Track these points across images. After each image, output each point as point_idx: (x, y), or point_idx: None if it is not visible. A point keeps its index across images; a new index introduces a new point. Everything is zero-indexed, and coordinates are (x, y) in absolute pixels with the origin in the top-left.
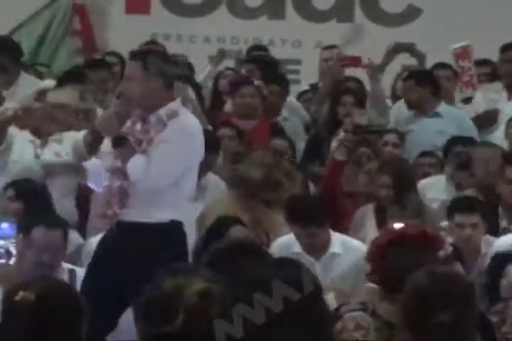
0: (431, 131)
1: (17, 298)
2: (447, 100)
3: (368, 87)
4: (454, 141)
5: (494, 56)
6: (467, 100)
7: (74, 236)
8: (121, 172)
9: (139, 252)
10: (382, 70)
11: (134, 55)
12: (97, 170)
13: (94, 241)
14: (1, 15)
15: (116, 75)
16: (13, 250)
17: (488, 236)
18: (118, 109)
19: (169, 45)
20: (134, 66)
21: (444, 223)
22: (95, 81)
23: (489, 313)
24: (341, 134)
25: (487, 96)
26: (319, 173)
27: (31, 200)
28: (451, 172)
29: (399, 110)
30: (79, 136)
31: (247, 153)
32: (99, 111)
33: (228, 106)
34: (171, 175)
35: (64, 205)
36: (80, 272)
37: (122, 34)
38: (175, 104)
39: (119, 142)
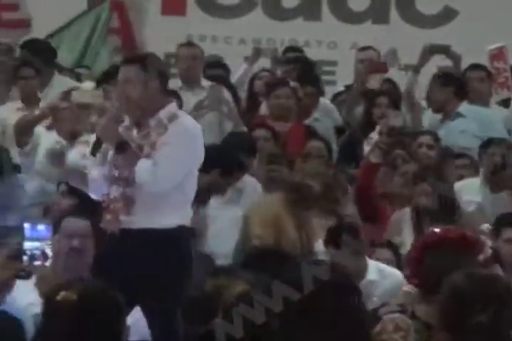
0: (454, 133)
1: (59, 297)
2: (480, 101)
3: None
4: (488, 142)
5: None
6: (505, 102)
7: None
8: (121, 180)
9: (146, 256)
10: (417, 72)
11: (130, 59)
12: (97, 180)
13: None
14: (38, 20)
15: None
16: (49, 252)
17: None
18: (116, 112)
19: (205, 47)
20: (133, 69)
21: (485, 225)
22: None
23: None
24: (375, 137)
25: None
26: (355, 175)
27: (83, 196)
28: (485, 174)
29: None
30: None
31: (282, 155)
32: None
33: (263, 108)
34: (176, 178)
35: None
36: None
37: (158, 35)
38: (173, 107)
39: (122, 148)
